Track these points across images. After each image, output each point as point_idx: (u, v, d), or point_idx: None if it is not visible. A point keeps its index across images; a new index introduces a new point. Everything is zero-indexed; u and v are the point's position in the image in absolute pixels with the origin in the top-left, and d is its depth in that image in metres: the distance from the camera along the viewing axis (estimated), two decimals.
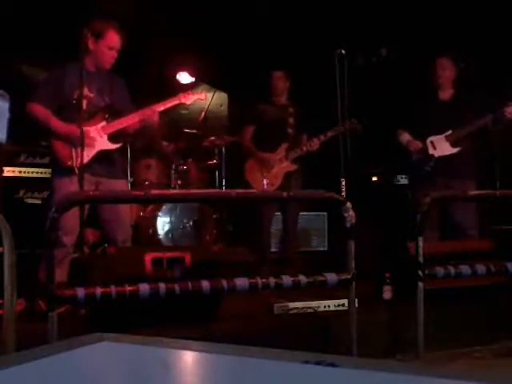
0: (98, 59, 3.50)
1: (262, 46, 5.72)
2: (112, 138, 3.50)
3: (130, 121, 3.52)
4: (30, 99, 3.47)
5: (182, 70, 6.53)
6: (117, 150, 3.56)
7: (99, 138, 3.45)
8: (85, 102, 3.41)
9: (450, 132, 4.19)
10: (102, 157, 3.47)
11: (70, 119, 3.40)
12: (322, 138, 4.51)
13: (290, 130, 4.65)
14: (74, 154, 3.37)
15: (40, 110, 3.45)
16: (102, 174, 3.49)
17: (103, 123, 3.49)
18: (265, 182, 4.53)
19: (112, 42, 3.51)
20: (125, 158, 3.85)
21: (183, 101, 3.65)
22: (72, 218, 3.12)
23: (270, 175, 4.54)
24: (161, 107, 3.56)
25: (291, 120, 4.67)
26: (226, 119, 7.40)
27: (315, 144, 4.52)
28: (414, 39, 5.29)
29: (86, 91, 3.42)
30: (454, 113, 4.20)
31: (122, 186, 3.68)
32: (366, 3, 5.28)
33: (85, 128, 3.32)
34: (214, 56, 6.00)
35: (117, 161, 3.64)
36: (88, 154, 3.36)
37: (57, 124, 3.43)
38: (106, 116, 3.51)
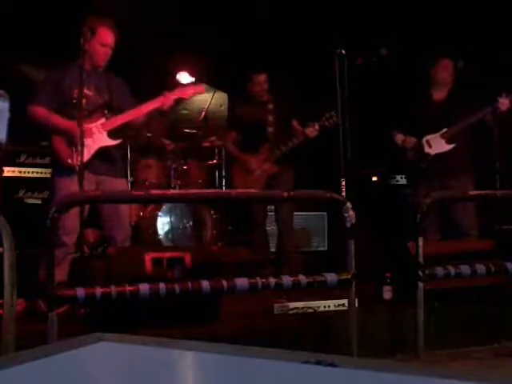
0: (92, 57, 3.47)
1: (262, 46, 5.72)
2: (112, 134, 3.49)
3: (135, 114, 3.50)
4: (31, 102, 3.47)
5: (182, 70, 6.53)
6: (117, 146, 3.56)
7: (99, 135, 3.45)
8: (84, 101, 3.40)
9: (445, 130, 4.21)
10: (103, 154, 3.47)
11: (70, 118, 3.41)
12: (316, 126, 4.32)
13: (269, 129, 4.56)
14: (74, 152, 3.37)
15: (41, 112, 3.46)
16: (102, 172, 3.49)
17: (102, 120, 3.49)
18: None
19: (104, 38, 3.48)
20: (125, 157, 3.84)
21: (181, 95, 3.60)
22: (72, 218, 3.12)
23: (252, 179, 4.49)
24: (155, 105, 3.52)
25: (271, 118, 4.57)
26: (226, 119, 7.38)
27: (311, 132, 4.32)
28: (414, 39, 5.29)
29: (84, 90, 3.41)
30: (448, 113, 4.22)
31: (122, 185, 3.67)
32: (366, 3, 5.28)
33: (85, 126, 3.32)
34: (213, 56, 6.00)
35: (117, 158, 3.64)
36: (88, 152, 3.36)
37: (59, 121, 3.43)
38: (105, 112, 3.50)
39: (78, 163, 3.29)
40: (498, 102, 4.02)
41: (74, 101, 3.40)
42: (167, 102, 3.53)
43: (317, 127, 4.34)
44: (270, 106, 4.60)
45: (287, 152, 4.46)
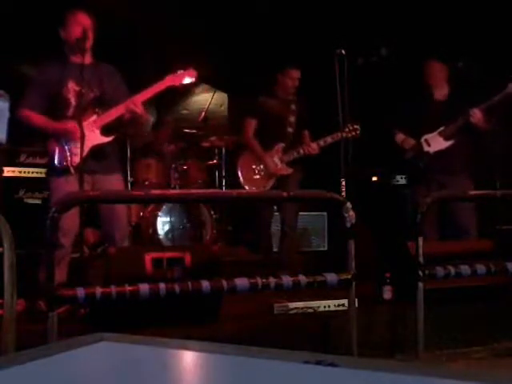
0: (72, 44, 3.38)
1: (262, 46, 5.72)
2: (104, 130, 3.39)
3: (120, 111, 3.38)
4: (20, 105, 3.40)
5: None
6: (110, 143, 3.44)
7: (91, 133, 3.33)
8: (72, 97, 3.35)
9: (442, 128, 4.23)
10: (96, 152, 3.37)
11: (61, 117, 3.35)
12: (321, 143, 4.41)
13: (289, 129, 4.52)
14: (67, 153, 3.32)
15: (30, 114, 3.37)
16: (96, 171, 3.40)
17: (94, 117, 3.37)
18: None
19: (79, 18, 3.38)
20: (119, 152, 3.70)
21: (172, 83, 3.48)
22: (70, 219, 3.08)
23: (262, 176, 4.48)
24: (145, 96, 3.41)
25: (292, 118, 4.53)
26: (226, 119, 7.40)
27: (314, 149, 4.42)
28: (414, 39, 5.29)
29: (72, 85, 3.35)
30: (448, 112, 4.23)
31: (116, 180, 3.56)
32: (366, 3, 5.28)
33: (76, 124, 3.26)
34: (214, 56, 6.00)
35: (111, 154, 3.52)
36: (82, 152, 3.25)
37: (48, 124, 3.37)
38: (97, 109, 3.39)
39: (73, 164, 3.28)
40: (471, 115, 4.05)
41: (64, 98, 3.34)
42: (158, 90, 3.44)
43: (316, 147, 4.39)
44: (293, 107, 4.55)
45: (299, 157, 4.47)
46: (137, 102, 3.37)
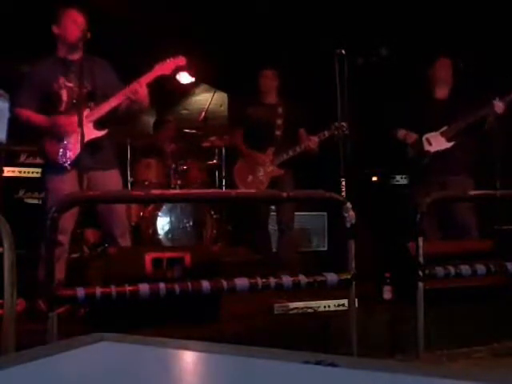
0: (64, 39, 3.36)
1: (262, 46, 5.72)
2: (98, 124, 3.34)
3: (117, 100, 3.32)
4: (13, 104, 3.38)
5: (182, 70, 6.53)
6: (104, 136, 3.38)
7: (85, 128, 3.25)
8: (64, 93, 3.32)
9: (445, 128, 4.22)
10: (91, 147, 3.31)
11: (54, 113, 3.33)
12: (321, 136, 4.42)
13: (277, 133, 4.56)
14: (63, 150, 3.28)
15: (24, 113, 3.35)
16: (91, 168, 3.33)
17: (86, 111, 3.31)
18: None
19: (73, 16, 3.35)
20: (116, 147, 3.66)
21: (161, 72, 3.39)
22: (66, 217, 3.04)
23: (256, 179, 4.50)
24: (145, 80, 3.33)
25: (279, 121, 4.57)
26: (226, 119, 7.40)
27: (314, 142, 4.41)
28: (414, 39, 5.29)
29: (63, 81, 3.33)
30: (449, 111, 4.22)
31: (113, 176, 3.51)
32: (366, 3, 5.28)
33: (68, 120, 3.25)
34: (213, 56, 6.00)
35: (106, 148, 3.45)
36: (76, 148, 3.24)
37: (41, 121, 3.33)
38: (89, 104, 3.35)
39: (68, 161, 3.26)
40: (494, 106, 4.03)
41: (56, 95, 3.32)
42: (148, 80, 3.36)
43: (317, 139, 4.39)
44: (280, 110, 4.59)
45: (290, 158, 4.48)
46: (141, 84, 3.30)
